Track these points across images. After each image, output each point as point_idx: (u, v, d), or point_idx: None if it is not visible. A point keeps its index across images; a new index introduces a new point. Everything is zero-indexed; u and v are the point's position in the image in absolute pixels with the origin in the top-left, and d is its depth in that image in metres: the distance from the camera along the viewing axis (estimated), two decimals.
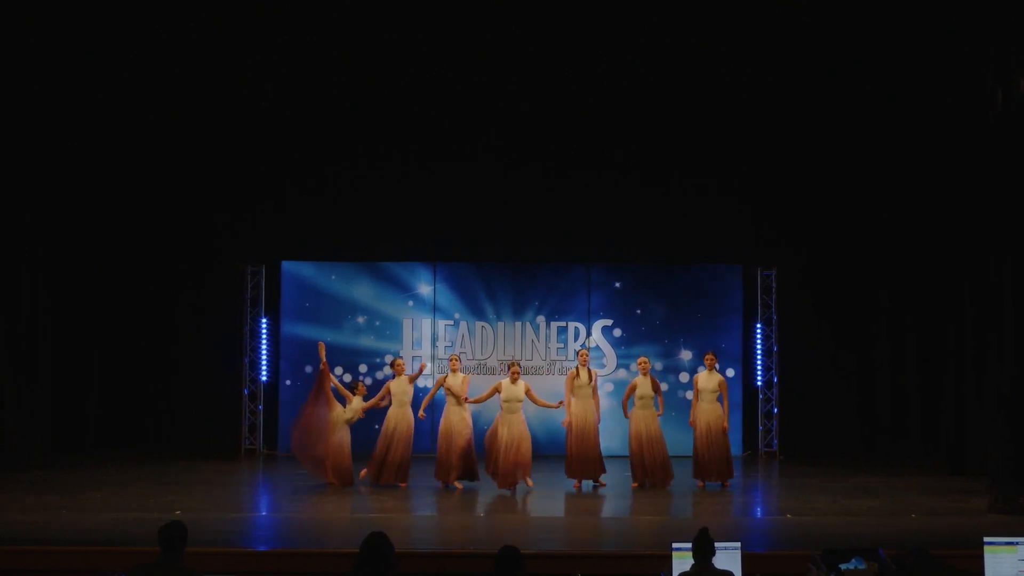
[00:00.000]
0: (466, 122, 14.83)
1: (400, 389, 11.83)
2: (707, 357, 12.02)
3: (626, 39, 14.19)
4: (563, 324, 15.08)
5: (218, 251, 15.17)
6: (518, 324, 15.05)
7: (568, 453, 11.75)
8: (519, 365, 12.00)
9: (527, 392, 11.65)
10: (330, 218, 15.09)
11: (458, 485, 11.52)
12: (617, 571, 7.67)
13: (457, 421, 11.61)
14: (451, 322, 15.05)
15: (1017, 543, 6.10)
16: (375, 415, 12.73)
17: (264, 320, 15.15)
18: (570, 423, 11.65)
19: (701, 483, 11.76)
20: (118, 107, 14.31)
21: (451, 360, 11.95)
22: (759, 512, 10.99)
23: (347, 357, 14.83)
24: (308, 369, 14.72)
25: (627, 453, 11.93)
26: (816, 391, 15.17)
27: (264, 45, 14.02)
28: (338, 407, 11.78)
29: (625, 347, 14.81)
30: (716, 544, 5.59)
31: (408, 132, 14.95)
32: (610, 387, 14.66)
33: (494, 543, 6.06)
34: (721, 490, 11.59)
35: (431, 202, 14.87)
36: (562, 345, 14.92)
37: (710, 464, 11.70)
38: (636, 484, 11.71)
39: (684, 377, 14.79)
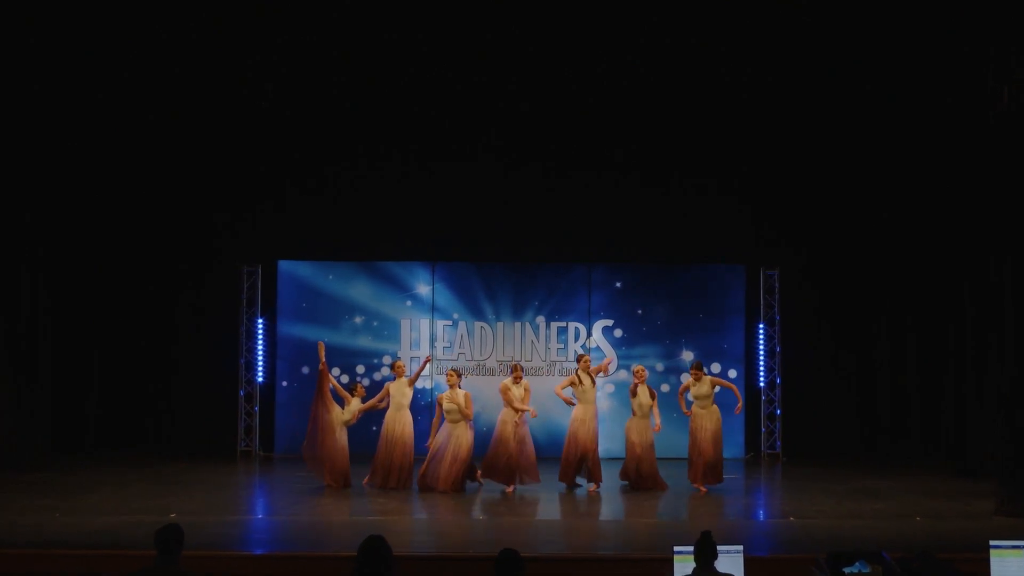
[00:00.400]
0: (466, 122, 14.87)
1: (399, 391, 11.83)
2: (693, 371, 11.98)
3: (626, 39, 14.27)
4: (563, 324, 15.08)
5: (218, 251, 15.21)
6: (518, 324, 15.06)
7: (566, 458, 11.77)
8: (521, 368, 12.04)
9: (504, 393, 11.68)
10: (328, 217, 15.12)
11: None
12: (618, 575, 7.68)
13: (460, 435, 11.57)
14: (450, 322, 15.05)
15: None
16: (373, 417, 12.74)
17: (260, 320, 15.15)
18: (575, 431, 11.72)
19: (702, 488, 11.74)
20: (118, 107, 14.39)
21: (448, 375, 11.80)
22: (762, 515, 11.01)
23: (344, 358, 14.84)
24: (305, 370, 14.72)
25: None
26: (819, 392, 15.18)
27: (264, 45, 14.10)
28: (336, 408, 11.79)
29: (626, 348, 14.81)
30: (718, 547, 5.60)
31: (408, 132, 14.98)
32: (611, 388, 14.67)
33: (494, 546, 6.07)
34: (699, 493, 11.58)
35: (430, 202, 14.90)
36: (562, 346, 14.92)
37: (705, 470, 11.66)
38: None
39: (685, 378, 14.75)
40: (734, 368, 14.85)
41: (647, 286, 15.11)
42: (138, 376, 15.08)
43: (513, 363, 12.34)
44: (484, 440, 12.32)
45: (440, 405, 11.69)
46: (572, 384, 11.88)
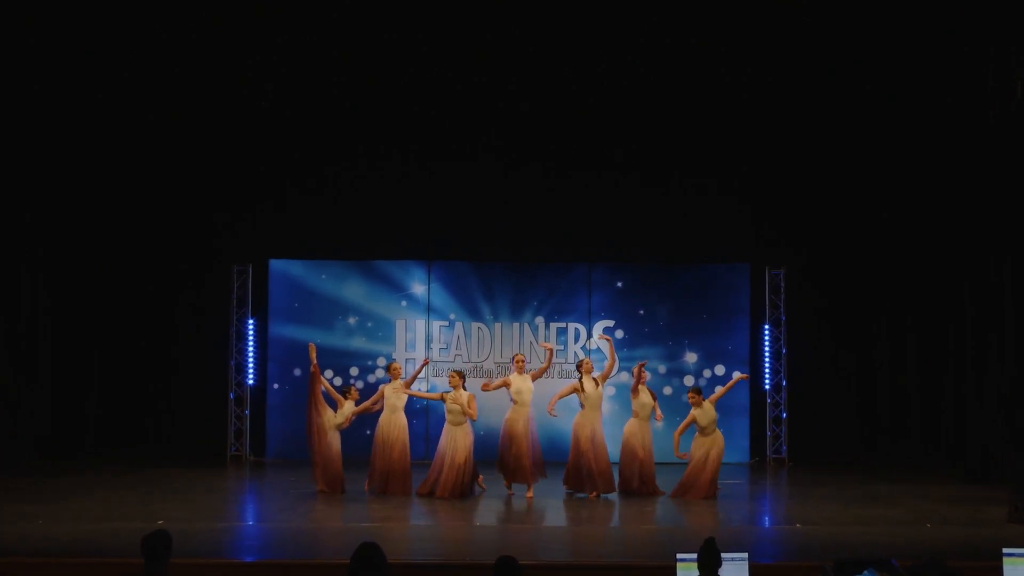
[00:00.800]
0: (465, 122, 14.99)
1: (394, 394, 11.81)
2: (691, 397, 11.82)
3: (626, 39, 14.44)
4: (563, 325, 15.07)
5: (218, 251, 15.27)
6: (516, 325, 15.04)
7: (571, 463, 11.74)
8: (523, 355, 12.13)
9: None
10: (321, 215, 15.15)
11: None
12: None
13: (458, 438, 11.56)
14: (446, 323, 15.04)
15: None
16: (366, 421, 12.72)
17: (251, 321, 15.13)
18: (577, 437, 11.68)
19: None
20: (118, 107, 14.56)
21: (451, 377, 11.82)
22: (767, 521, 11.00)
23: (337, 359, 14.82)
24: (297, 372, 14.70)
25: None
26: (826, 395, 15.20)
27: (264, 45, 14.29)
28: (328, 411, 11.77)
29: (628, 349, 14.78)
30: (723, 555, 5.58)
31: (406, 131, 15.07)
32: (612, 391, 14.65)
33: (492, 553, 6.05)
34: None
35: (427, 201, 14.96)
36: (562, 347, 14.90)
37: (696, 489, 11.61)
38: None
39: (689, 380, 14.78)
40: (739, 370, 14.77)
41: (649, 286, 15.10)
42: (138, 376, 15.17)
43: (515, 354, 12.31)
44: (482, 444, 12.30)
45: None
46: (575, 391, 11.83)
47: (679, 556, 5.82)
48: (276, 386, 14.95)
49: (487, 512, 10.78)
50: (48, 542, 8.54)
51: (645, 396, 11.92)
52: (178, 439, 15.01)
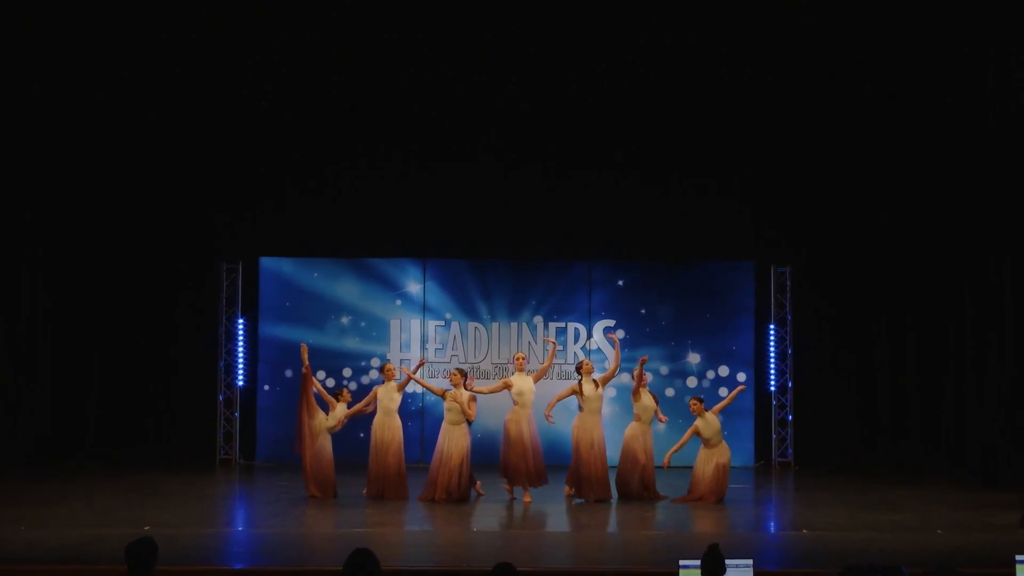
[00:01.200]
0: (465, 122, 15.15)
1: (387, 396, 11.79)
2: (693, 405, 11.85)
3: (626, 39, 14.67)
4: (562, 325, 15.06)
5: (218, 251, 15.34)
6: (514, 325, 15.03)
7: (573, 467, 11.73)
8: (524, 354, 12.12)
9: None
10: (315, 213, 15.25)
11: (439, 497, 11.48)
12: None
13: (455, 439, 11.55)
14: (442, 323, 15.02)
15: None
16: (359, 424, 12.71)
17: (241, 321, 15.12)
18: (578, 442, 11.66)
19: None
20: (118, 107, 14.79)
21: (452, 376, 11.80)
22: (772, 527, 10.99)
23: (330, 360, 14.80)
24: (288, 373, 14.69)
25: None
26: (833, 396, 15.22)
27: (264, 45, 14.57)
28: (320, 414, 11.74)
29: (629, 349, 14.71)
30: (726, 561, 5.57)
31: (405, 131, 15.21)
32: (612, 392, 14.62)
33: (490, 559, 6.04)
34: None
35: (425, 200, 15.07)
36: (561, 347, 14.87)
37: (707, 494, 11.63)
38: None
39: (692, 382, 14.79)
40: (743, 371, 14.83)
41: (651, 284, 15.09)
42: (135, 377, 15.34)
43: (516, 353, 12.28)
44: (480, 447, 12.29)
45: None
46: (574, 393, 11.81)
47: (682, 563, 5.81)
48: (267, 387, 14.93)
49: (485, 517, 10.77)
50: (31, 548, 8.53)
51: (647, 399, 11.90)
52: (169, 441, 15.14)
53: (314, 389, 11.81)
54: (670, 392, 14.64)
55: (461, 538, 9.68)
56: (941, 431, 14.75)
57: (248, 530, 10.22)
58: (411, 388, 13.84)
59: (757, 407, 14.95)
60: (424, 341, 14.94)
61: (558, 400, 11.86)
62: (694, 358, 14.95)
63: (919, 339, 15.14)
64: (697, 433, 11.69)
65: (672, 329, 15.01)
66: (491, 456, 12.55)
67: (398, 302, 15.05)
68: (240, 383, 15.07)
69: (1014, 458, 12.73)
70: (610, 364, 12.37)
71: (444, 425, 11.64)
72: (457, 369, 11.99)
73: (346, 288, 15.03)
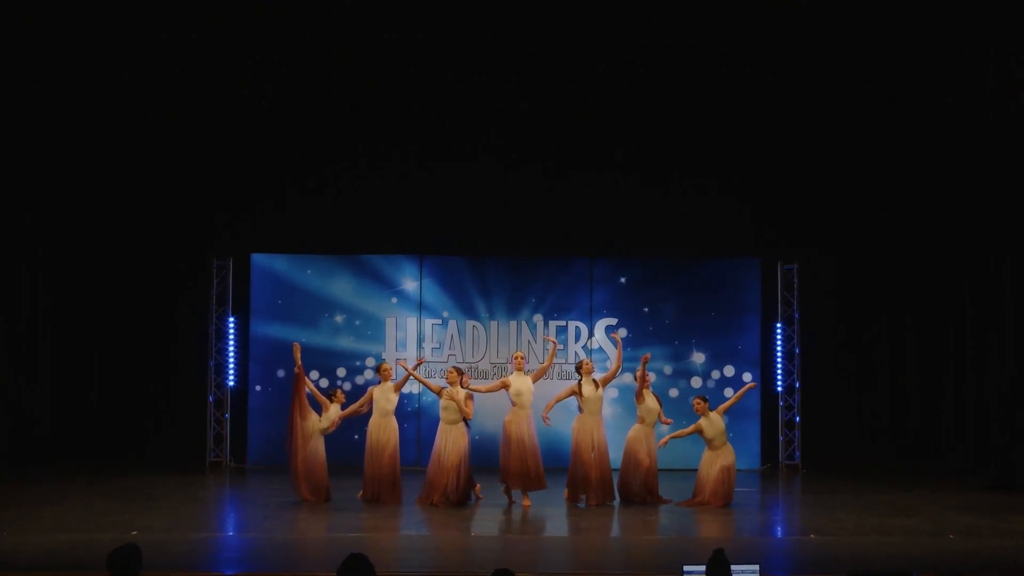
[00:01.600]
0: (465, 121, 15.31)
1: (384, 396, 11.76)
2: (697, 404, 11.85)
3: (626, 39, 14.92)
4: (563, 323, 15.05)
5: (209, 247, 15.35)
6: (513, 323, 15.02)
7: (571, 470, 11.72)
8: (523, 353, 12.11)
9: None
10: (310, 210, 15.34)
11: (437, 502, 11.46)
12: None
13: (454, 439, 11.53)
14: (439, 321, 15.01)
15: None
16: (354, 425, 12.70)
17: (232, 319, 15.10)
18: (577, 444, 11.65)
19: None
20: (118, 107, 15.04)
21: (448, 373, 11.77)
22: (780, 531, 10.99)
23: (324, 360, 14.80)
24: (281, 373, 14.68)
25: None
26: (841, 397, 15.26)
27: (264, 45, 14.85)
28: (313, 415, 11.73)
29: (631, 348, 14.73)
30: (732, 567, 5.57)
31: (404, 130, 15.36)
32: (614, 393, 14.62)
33: (488, 565, 6.04)
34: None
35: (424, 200, 15.19)
36: (562, 347, 14.86)
37: (712, 498, 11.63)
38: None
39: (696, 382, 14.79)
40: (749, 371, 14.82)
41: (654, 282, 15.08)
42: (139, 377, 15.47)
43: (515, 353, 12.24)
44: (478, 449, 12.29)
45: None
46: (573, 394, 11.79)
47: (686, 568, 5.81)
48: (258, 388, 14.92)
49: (484, 521, 10.77)
50: (15, 554, 8.51)
51: (651, 401, 11.89)
52: (158, 443, 15.18)
53: (307, 390, 11.81)
54: (674, 393, 14.65)
55: (459, 543, 9.68)
56: (953, 433, 14.82)
57: (239, 535, 10.20)
58: (407, 388, 13.83)
59: (764, 408, 14.96)
60: (421, 340, 14.93)
61: (557, 401, 11.84)
62: (699, 358, 14.94)
63: (919, 339, 15.32)
64: (700, 433, 11.69)
65: (676, 328, 15.01)
66: (489, 459, 12.54)
67: (394, 300, 15.04)
68: (231, 383, 15.06)
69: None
70: (612, 364, 12.35)
71: (441, 425, 11.62)
72: (454, 367, 11.98)
73: (340, 285, 15.02)
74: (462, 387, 11.64)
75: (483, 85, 15.09)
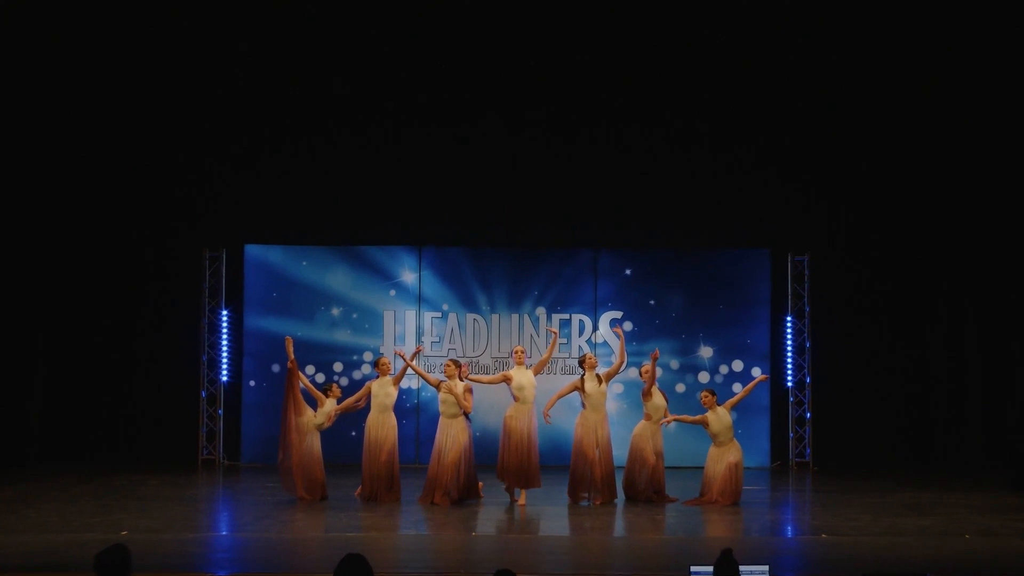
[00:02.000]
0: (462, 96, 15.19)
1: (382, 391, 11.75)
2: (705, 398, 11.84)
3: (635, 18, 14.83)
4: (566, 316, 15.05)
5: (188, 236, 15.30)
6: (515, 316, 15.02)
7: (572, 468, 11.71)
8: (523, 347, 12.13)
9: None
10: (304, 198, 15.26)
11: (440, 502, 11.45)
12: None
13: (454, 434, 11.52)
14: (439, 314, 15.01)
15: None
16: (350, 422, 12.69)
17: (225, 312, 15.11)
18: (579, 441, 11.65)
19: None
20: (101, 92, 14.86)
21: (447, 366, 11.72)
22: (790, 531, 10.98)
23: (320, 354, 14.80)
24: (275, 368, 14.68)
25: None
26: (854, 393, 15.21)
27: (236, 9, 14.63)
28: (308, 411, 11.73)
29: (637, 343, 14.74)
30: (741, 567, 5.57)
31: (403, 114, 15.26)
32: (619, 388, 14.63)
33: (489, 565, 6.04)
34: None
35: (420, 184, 15.11)
36: (565, 340, 14.86)
37: (720, 496, 11.64)
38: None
39: (704, 377, 14.78)
40: (758, 366, 14.82)
41: (660, 273, 15.08)
42: (99, 378, 15.22)
43: (515, 348, 12.22)
44: (478, 445, 12.29)
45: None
46: (576, 390, 11.79)
47: (693, 569, 5.80)
48: (252, 383, 14.93)
49: (484, 520, 10.77)
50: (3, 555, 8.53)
51: (659, 398, 11.88)
52: (148, 440, 15.06)
53: (301, 385, 11.78)
54: (680, 388, 14.66)
55: (459, 542, 9.67)
56: (970, 431, 14.86)
57: (232, 534, 10.21)
58: (406, 383, 13.84)
59: (773, 404, 14.96)
60: (420, 334, 14.93)
61: (559, 397, 11.82)
62: (707, 352, 14.94)
63: (979, 334, 15.17)
64: (705, 427, 11.69)
65: (683, 321, 15.01)
66: (491, 456, 12.53)
67: (392, 292, 15.04)
68: (224, 378, 15.07)
69: None
70: (616, 359, 12.34)
71: (441, 420, 11.61)
72: (451, 360, 11.94)
73: (337, 277, 15.01)
74: (461, 379, 11.63)
75: (484, 66, 15.03)
